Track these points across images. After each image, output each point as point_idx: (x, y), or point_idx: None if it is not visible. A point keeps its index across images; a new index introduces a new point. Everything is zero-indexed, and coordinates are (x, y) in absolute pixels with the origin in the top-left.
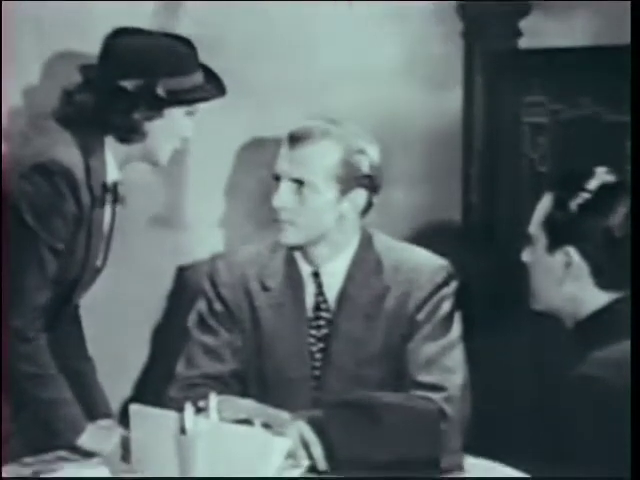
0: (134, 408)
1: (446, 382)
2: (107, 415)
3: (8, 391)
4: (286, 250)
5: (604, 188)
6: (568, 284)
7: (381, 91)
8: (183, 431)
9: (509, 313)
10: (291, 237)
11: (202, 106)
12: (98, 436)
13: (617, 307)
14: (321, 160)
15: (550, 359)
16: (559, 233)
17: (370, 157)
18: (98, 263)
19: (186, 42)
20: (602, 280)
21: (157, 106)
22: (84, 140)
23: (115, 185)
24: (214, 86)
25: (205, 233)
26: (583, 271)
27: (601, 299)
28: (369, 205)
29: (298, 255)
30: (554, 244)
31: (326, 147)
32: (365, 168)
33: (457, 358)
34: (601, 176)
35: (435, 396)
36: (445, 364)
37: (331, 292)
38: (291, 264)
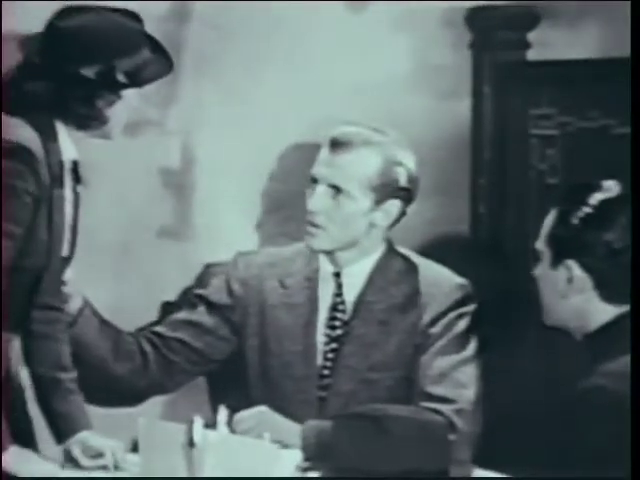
0: (142, 421)
1: (457, 395)
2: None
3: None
4: (308, 254)
5: (606, 201)
6: (573, 298)
7: (388, 102)
8: (191, 444)
9: (518, 326)
10: (321, 243)
11: (209, 119)
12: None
13: (625, 320)
14: (360, 169)
15: (561, 372)
16: (562, 247)
17: (408, 169)
18: (64, 251)
19: (132, 15)
20: (608, 293)
21: (117, 90)
22: (36, 122)
23: (75, 164)
24: (163, 60)
25: (213, 245)
26: (587, 284)
27: (609, 312)
28: (402, 214)
29: (322, 256)
30: (557, 258)
31: (366, 156)
32: (403, 180)
33: (470, 374)
34: (608, 189)
35: (444, 408)
36: (458, 378)
37: (350, 294)
38: (312, 265)
